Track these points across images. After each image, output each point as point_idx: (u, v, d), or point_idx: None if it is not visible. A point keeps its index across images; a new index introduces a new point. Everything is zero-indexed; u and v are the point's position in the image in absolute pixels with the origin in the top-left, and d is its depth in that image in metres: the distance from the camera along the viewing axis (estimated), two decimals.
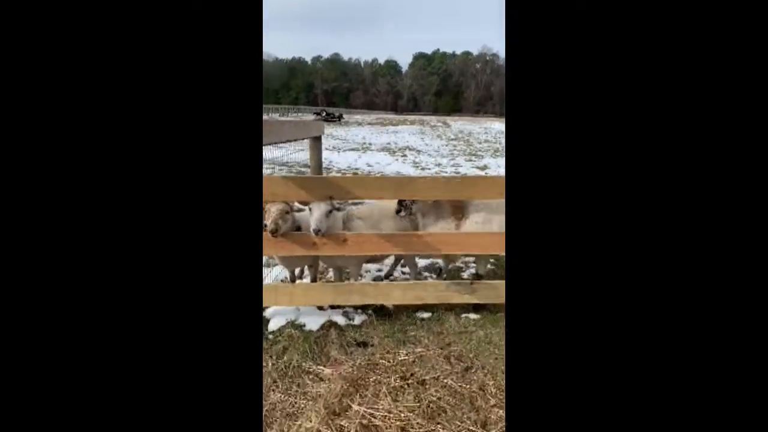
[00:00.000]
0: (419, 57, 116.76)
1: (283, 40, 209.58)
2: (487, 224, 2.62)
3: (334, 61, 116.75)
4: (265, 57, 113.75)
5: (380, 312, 2.68)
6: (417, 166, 10.66)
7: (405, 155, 12.82)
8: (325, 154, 12.34)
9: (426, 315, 2.67)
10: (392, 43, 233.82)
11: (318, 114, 35.71)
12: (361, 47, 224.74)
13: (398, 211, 2.67)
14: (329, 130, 23.24)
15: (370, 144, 16.15)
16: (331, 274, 3.14)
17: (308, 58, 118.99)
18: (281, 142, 4.28)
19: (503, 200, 2.68)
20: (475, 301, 2.53)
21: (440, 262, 3.32)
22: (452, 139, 19.41)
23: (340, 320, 2.60)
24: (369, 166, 10.48)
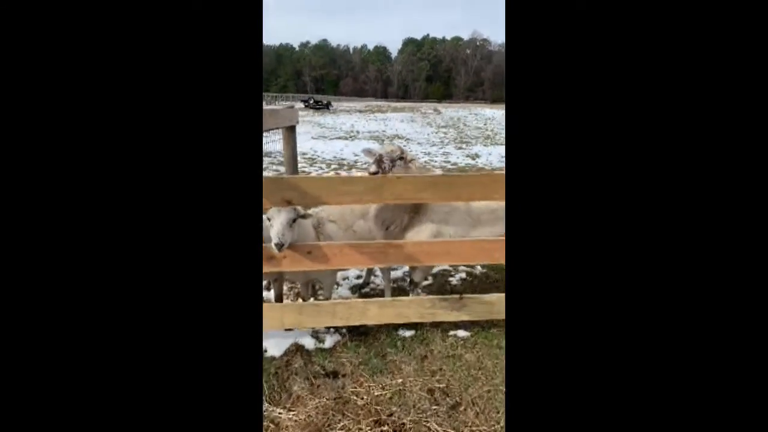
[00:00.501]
0: (409, 42, 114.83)
1: (270, 25, 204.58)
2: (435, 237, 2.25)
3: (322, 47, 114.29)
4: None
5: (356, 330, 2.32)
6: None
7: (393, 144, 12.38)
8: (311, 143, 11.94)
9: (409, 333, 2.31)
10: (381, 28, 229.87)
11: (306, 102, 34.82)
12: (350, 33, 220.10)
13: (374, 173, 2.12)
14: (317, 118, 22.60)
15: (358, 132, 15.65)
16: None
17: (296, 44, 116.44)
18: None
19: (464, 207, 2.33)
20: (465, 318, 2.18)
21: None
22: (442, 127, 18.97)
23: (308, 343, 2.23)
24: (356, 155, 10.04)
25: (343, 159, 9.53)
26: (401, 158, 2.22)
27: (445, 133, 16.11)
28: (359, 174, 2.17)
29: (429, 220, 2.26)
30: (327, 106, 33.28)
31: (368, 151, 2.37)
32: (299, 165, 8.73)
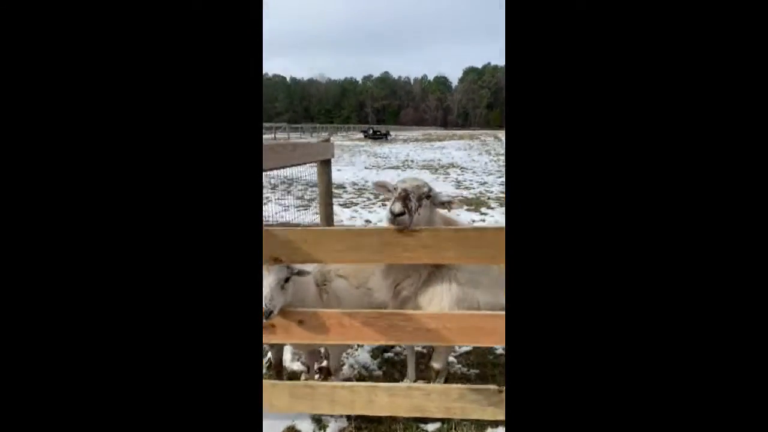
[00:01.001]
0: (469, 71, 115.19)
1: (336, 61, 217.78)
2: (459, 304, 1.73)
3: (384, 79, 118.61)
4: (318, 78, 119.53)
5: (365, 416, 1.84)
6: (459, 185, 9.72)
7: (447, 173, 11.90)
8: (363, 173, 11.88)
9: (433, 427, 1.79)
10: (442, 59, 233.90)
11: (365, 132, 35.78)
12: (411, 65, 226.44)
13: (400, 214, 1.48)
14: (375, 148, 22.88)
15: (412, 161, 15.41)
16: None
17: (359, 78, 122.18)
18: (286, 166, 3.70)
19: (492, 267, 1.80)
20: (504, 416, 1.62)
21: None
22: (501, 154, 18.13)
23: (307, 428, 1.80)
24: None
25: (394, 188, 9.24)
26: (428, 196, 1.72)
27: (504, 161, 15.30)
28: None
29: (453, 279, 1.76)
30: (385, 136, 33.85)
31: (382, 186, 1.82)
32: (348, 195, 8.64)
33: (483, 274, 1.80)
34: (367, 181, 10.31)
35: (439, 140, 30.70)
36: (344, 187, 9.30)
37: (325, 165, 3.62)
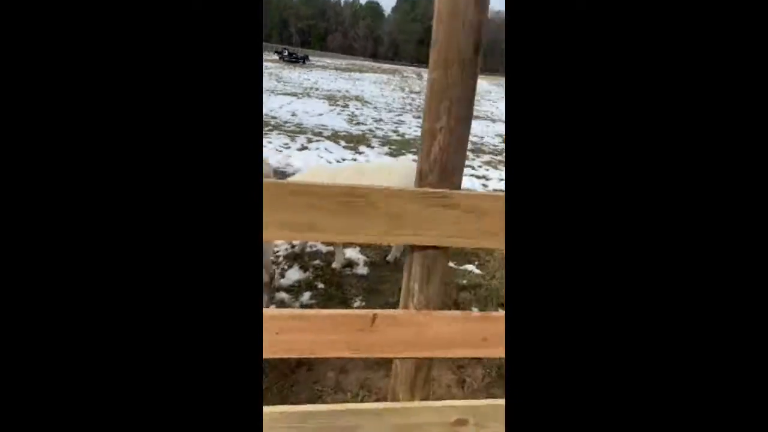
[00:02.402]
0: (404, 0, 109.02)
1: None
2: None
3: None
4: None
5: None
6: (351, 121, 9.05)
7: (346, 106, 11.08)
8: None
9: None
10: None
11: (280, 53, 32.36)
12: None
13: None
14: (284, 72, 20.79)
15: (315, 90, 14.16)
16: None
17: None
18: None
19: None
20: None
21: None
22: (416, 92, 17.56)
23: None
24: (293, 115, 8.78)
25: (275, 117, 8.27)
26: None
27: (413, 99, 14.78)
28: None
29: None
30: (302, 60, 31.09)
31: None
32: None
33: None
34: None
35: (361, 71, 28.96)
36: None
37: None
